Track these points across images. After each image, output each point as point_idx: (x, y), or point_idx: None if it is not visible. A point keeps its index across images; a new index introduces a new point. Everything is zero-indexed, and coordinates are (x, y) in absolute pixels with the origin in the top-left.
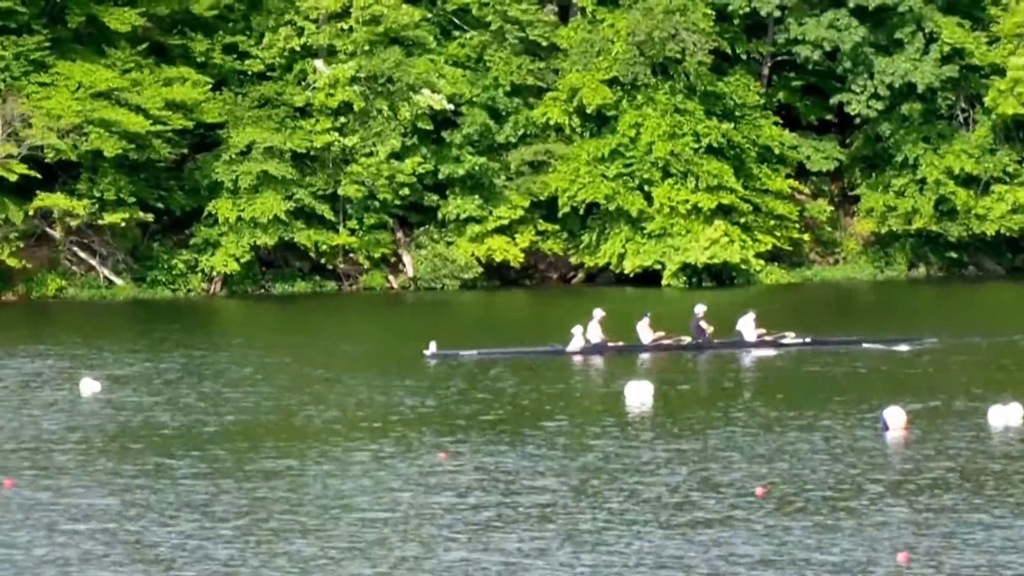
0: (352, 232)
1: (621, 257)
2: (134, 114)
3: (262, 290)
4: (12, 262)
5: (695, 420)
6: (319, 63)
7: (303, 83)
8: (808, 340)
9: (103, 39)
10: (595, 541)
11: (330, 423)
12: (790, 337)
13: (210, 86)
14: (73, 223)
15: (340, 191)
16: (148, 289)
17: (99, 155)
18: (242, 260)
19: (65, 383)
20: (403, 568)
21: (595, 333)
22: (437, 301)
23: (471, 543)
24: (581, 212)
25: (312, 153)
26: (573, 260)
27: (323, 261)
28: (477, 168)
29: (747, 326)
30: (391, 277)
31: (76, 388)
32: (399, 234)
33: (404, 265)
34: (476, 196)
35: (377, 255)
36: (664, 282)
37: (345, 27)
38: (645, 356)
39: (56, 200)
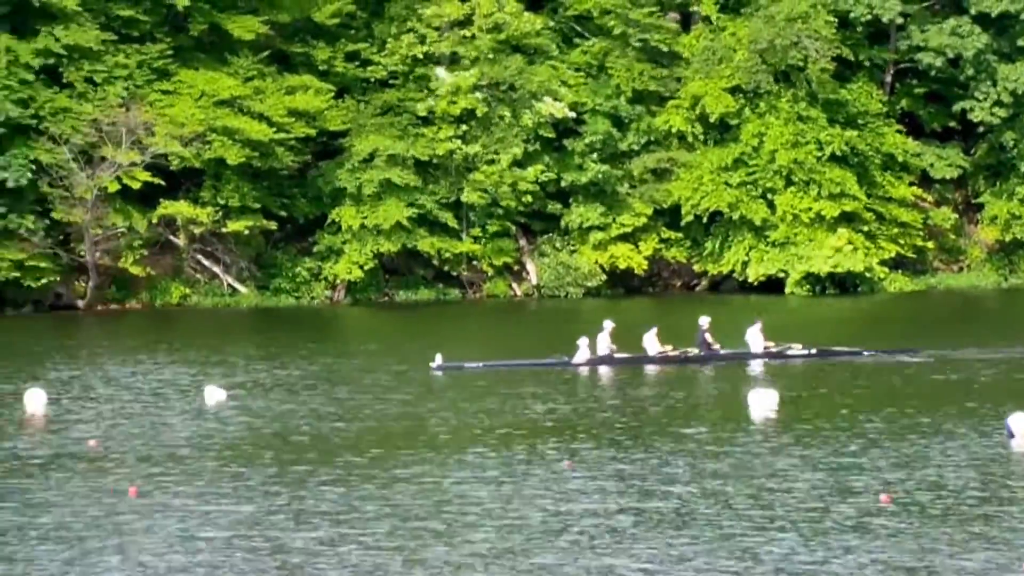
0: (475, 240)
1: (744, 265)
2: (257, 122)
3: (385, 297)
4: (136, 270)
5: (821, 428)
6: (441, 71)
7: (425, 91)
8: (813, 351)
9: (226, 47)
10: (732, 547)
11: (460, 429)
12: (796, 349)
13: (332, 94)
14: (197, 231)
15: (463, 198)
16: (272, 297)
17: (222, 163)
18: (365, 267)
19: (190, 392)
20: (543, 574)
21: (603, 344)
22: (560, 309)
23: (608, 550)
24: (704, 220)
25: (435, 160)
26: (696, 268)
27: (446, 268)
28: (600, 176)
29: (755, 337)
30: (515, 285)
31: (201, 397)
32: (522, 242)
33: (528, 273)
34: (599, 204)
35: (500, 263)
36: (788, 290)
37: (468, 35)
38: (652, 367)
39: (180, 208)
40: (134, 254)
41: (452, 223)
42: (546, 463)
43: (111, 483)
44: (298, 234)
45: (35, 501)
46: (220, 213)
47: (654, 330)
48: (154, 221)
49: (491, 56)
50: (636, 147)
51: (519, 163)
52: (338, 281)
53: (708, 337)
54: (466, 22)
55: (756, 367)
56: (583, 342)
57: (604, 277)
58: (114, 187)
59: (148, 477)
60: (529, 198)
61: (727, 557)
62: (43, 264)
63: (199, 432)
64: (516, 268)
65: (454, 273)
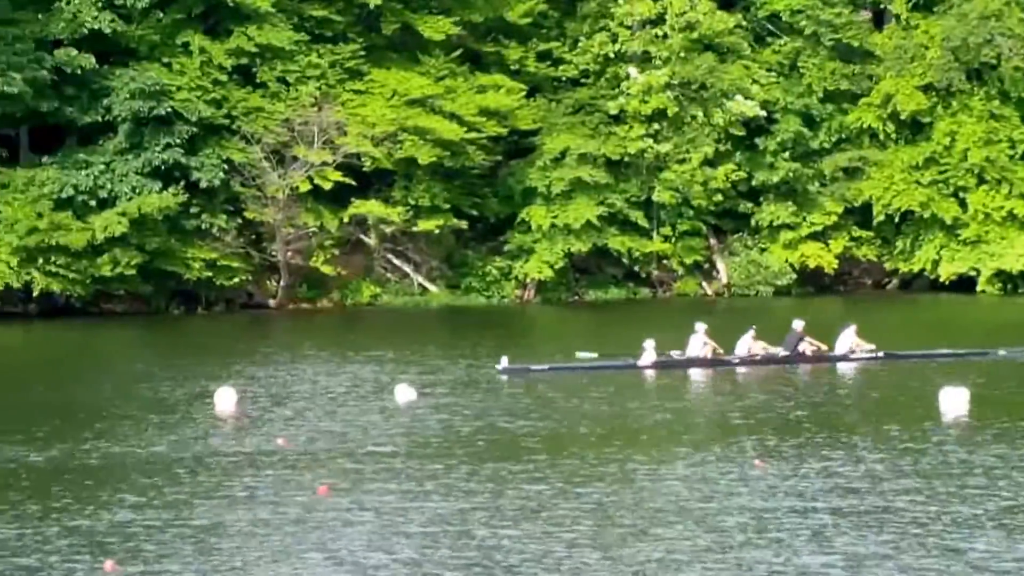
0: (666, 238)
1: (936, 263)
2: (448, 121)
3: (575, 296)
4: (327, 269)
5: (1018, 425)
6: (633, 69)
7: (616, 89)
8: (880, 354)
9: (417, 47)
10: (934, 545)
11: (658, 427)
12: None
13: (524, 93)
14: (388, 230)
15: (654, 197)
16: (462, 296)
17: (413, 162)
18: (556, 266)
19: (381, 390)
20: (748, 573)
21: (696, 346)
22: (750, 308)
23: (809, 548)
24: (896, 219)
25: (625, 159)
26: (887, 266)
27: (636, 267)
28: (791, 174)
29: (846, 340)
30: (705, 283)
31: (392, 395)
32: (713, 240)
33: (718, 271)
34: (790, 202)
35: (690, 261)
36: (979, 288)
37: (659, 33)
38: (743, 369)
39: (371, 207)
40: (325, 253)
41: (642, 222)
42: (738, 461)
43: (305, 481)
44: (489, 233)
45: (227, 499)
46: (411, 212)
47: (751, 332)
48: (345, 220)
49: (683, 55)
50: (827, 145)
51: (710, 162)
52: (528, 280)
53: (802, 340)
54: (658, 21)
55: (844, 368)
56: (648, 344)
57: (794, 276)
58: (305, 186)
59: (339, 475)
60: (720, 197)
61: (929, 555)
62: (235, 263)
63: (390, 430)
64: (706, 267)
65: (644, 272)
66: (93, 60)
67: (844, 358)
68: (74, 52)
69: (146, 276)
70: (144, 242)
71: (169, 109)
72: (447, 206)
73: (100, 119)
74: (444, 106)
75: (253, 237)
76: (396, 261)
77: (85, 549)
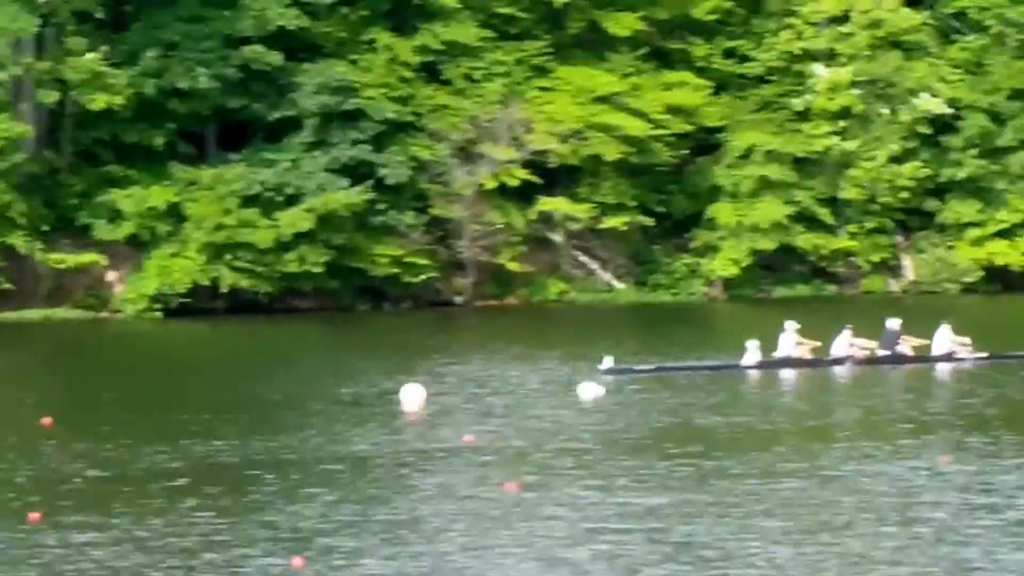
0: (852, 236)
1: None
2: (634, 118)
3: (762, 293)
4: (514, 267)
5: None
6: (819, 67)
7: (802, 86)
8: (984, 355)
9: (603, 44)
10: None
11: (848, 424)
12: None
13: (710, 90)
14: (574, 227)
15: (840, 195)
16: (649, 293)
17: (599, 159)
18: (742, 264)
19: (568, 387)
20: (948, 570)
21: (787, 345)
22: (936, 305)
23: (1011, 544)
24: None
25: (812, 157)
26: None
27: (823, 264)
28: (977, 172)
29: (942, 339)
30: (891, 280)
31: (578, 392)
32: (899, 237)
33: (904, 268)
34: (976, 200)
35: (877, 258)
36: None
37: (845, 31)
38: (839, 369)
39: (557, 204)
40: (512, 250)
41: (829, 219)
42: (924, 457)
43: (494, 478)
44: (675, 230)
45: (417, 495)
46: (597, 209)
47: (847, 331)
48: (532, 218)
49: (868, 52)
50: (1014, 143)
51: (896, 159)
52: (715, 277)
53: (899, 342)
54: (843, 18)
55: (943, 369)
56: (752, 344)
57: (981, 273)
58: (492, 184)
59: (527, 472)
60: (906, 194)
61: None
62: (422, 260)
63: (577, 426)
64: (892, 264)
65: (830, 270)
66: (280, 57)
67: (947, 358)
68: (261, 49)
69: (333, 273)
70: (331, 239)
71: (356, 105)
72: (633, 203)
73: (287, 116)
74: (630, 103)
75: (440, 234)
76: (583, 258)
77: (278, 545)
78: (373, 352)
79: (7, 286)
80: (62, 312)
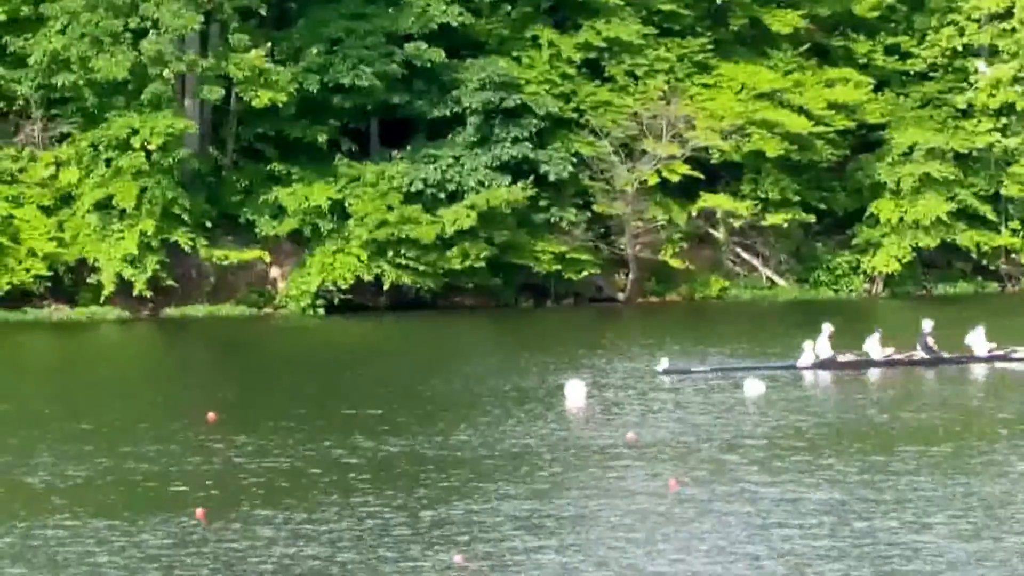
0: (1014, 232)
1: None
2: (796, 115)
3: (923, 291)
4: (675, 263)
5: None
6: (980, 63)
7: (964, 83)
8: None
9: (765, 41)
10: None
11: (1010, 421)
12: (1021, 351)
13: (872, 86)
14: (736, 224)
15: (1002, 191)
16: (810, 290)
17: (761, 156)
18: (903, 261)
19: (731, 384)
20: None
21: (824, 348)
22: None
23: None
24: None
25: (974, 154)
26: None
27: (984, 262)
28: None
29: (977, 340)
30: None
31: (741, 388)
32: None
33: None
34: None
35: None
36: None
37: (1007, 27)
38: (876, 372)
39: (719, 201)
40: (673, 247)
41: (991, 216)
42: None
43: (658, 474)
44: (836, 227)
45: (582, 491)
46: (759, 206)
47: (877, 334)
48: (693, 214)
49: None
50: None
51: None
52: (876, 274)
53: (930, 341)
54: (1006, 15)
55: (982, 371)
56: (807, 345)
57: None
58: (654, 180)
59: (693, 468)
60: None
61: None
62: (584, 256)
63: (741, 423)
64: None
65: (992, 267)
66: (443, 54)
67: (990, 359)
68: (424, 46)
69: (495, 269)
70: (493, 235)
71: (518, 101)
72: (795, 199)
73: (449, 113)
74: (792, 100)
75: (602, 231)
76: (744, 255)
77: (444, 540)
78: (535, 348)
79: (171, 283)
80: (225, 309)
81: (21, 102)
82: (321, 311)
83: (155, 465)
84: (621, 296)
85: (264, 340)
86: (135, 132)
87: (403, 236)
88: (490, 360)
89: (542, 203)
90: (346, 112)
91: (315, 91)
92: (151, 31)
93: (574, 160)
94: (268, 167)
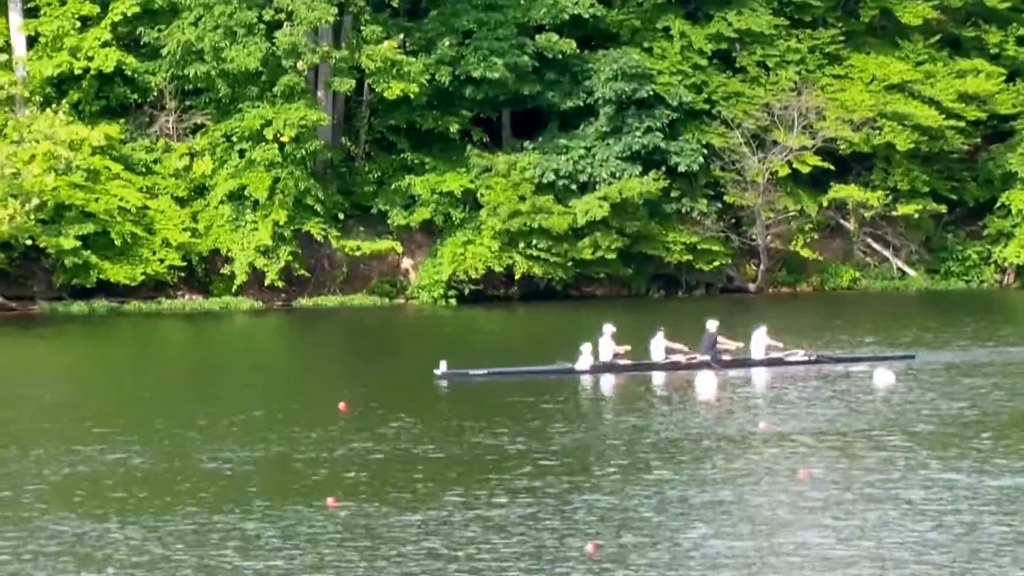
0: None
1: None
2: (927, 106)
3: None
4: (806, 253)
5: None
6: None
7: None
8: (813, 357)
9: (896, 32)
10: None
11: None
12: (798, 355)
13: (1003, 77)
14: (867, 215)
15: None
16: (941, 280)
17: (891, 146)
18: None
19: (860, 375)
20: None
21: (606, 350)
22: None
23: None
24: None
25: None
26: None
27: None
28: None
29: (758, 342)
30: None
31: (871, 379)
32: None
33: None
34: None
35: None
36: None
37: None
38: (659, 374)
39: (850, 192)
40: (804, 237)
41: None
42: None
43: (790, 463)
44: (968, 217)
45: (718, 478)
46: (890, 197)
47: (660, 333)
48: (824, 205)
49: None
50: None
51: None
52: (1008, 265)
53: (718, 341)
54: None
55: (761, 373)
56: (586, 348)
57: None
58: (784, 171)
59: (825, 458)
60: None
61: None
62: (715, 247)
63: (869, 414)
64: None
65: None
66: (574, 45)
67: (781, 361)
68: (555, 37)
69: (626, 260)
70: (624, 226)
71: (650, 92)
72: (926, 190)
73: (581, 103)
74: (923, 91)
75: (733, 221)
76: (875, 245)
77: (573, 529)
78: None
79: (303, 273)
80: (357, 299)
81: (155, 93)
82: (452, 301)
83: (292, 453)
84: (752, 286)
85: (396, 330)
86: (268, 123)
87: (535, 226)
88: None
89: (673, 194)
90: (478, 103)
91: (447, 82)
92: (285, 23)
93: (705, 151)
94: (400, 158)
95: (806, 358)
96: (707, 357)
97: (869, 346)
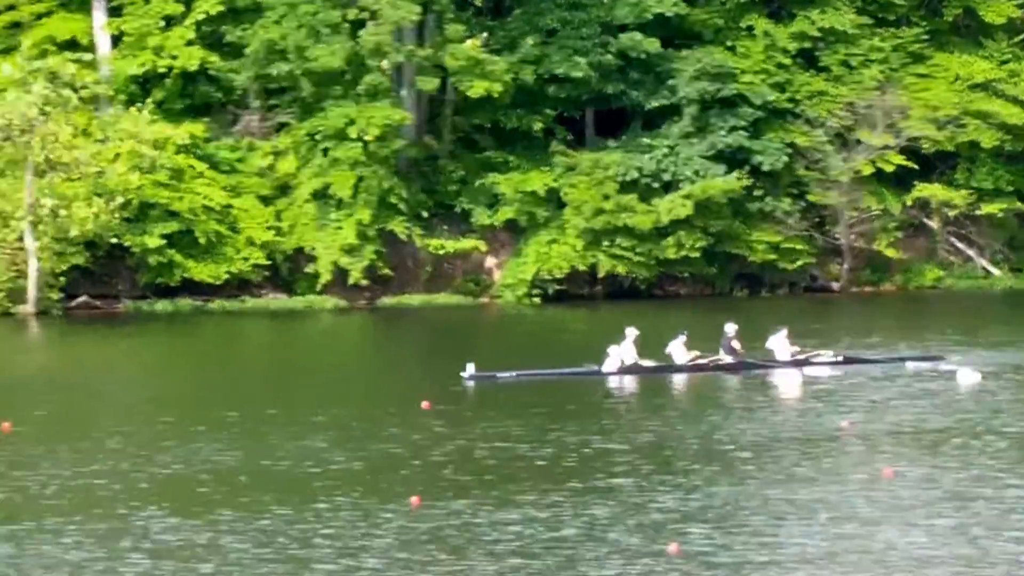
0: None
1: None
2: (1011, 105)
3: None
4: (891, 252)
5: None
6: None
7: None
8: (840, 359)
9: (979, 30)
10: None
11: None
12: (824, 356)
13: None
14: (950, 213)
15: None
16: None
17: (976, 146)
18: None
19: (944, 374)
20: None
21: (629, 353)
22: None
23: None
24: None
25: None
26: None
27: None
28: None
29: (780, 344)
30: None
31: (955, 379)
32: None
33: None
34: None
35: None
36: None
37: None
38: (681, 376)
39: (934, 190)
40: (888, 236)
41: None
42: None
43: (876, 462)
44: None
45: (801, 478)
46: (974, 196)
47: (681, 338)
48: (908, 204)
49: None
50: None
51: None
52: None
53: (735, 344)
54: None
55: (787, 375)
56: (613, 350)
57: None
58: (868, 170)
59: (909, 458)
60: None
61: None
62: (798, 246)
63: (954, 413)
64: None
65: None
66: (658, 44)
67: (803, 363)
68: (639, 36)
69: (710, 259)
70: (708, 225)
71: (734, 92)
72: (1010, 189)
73: (664, 102)
74: (1007, 90)
75: (816, 220)
76: (959, 244)
77: (657, 530)
78: (749, 337)
79: (387, 272)
80: (441, 298)
81: (239, 92)
82: (536, 300)
83: (376, 451)
84: (835, 285)
85: (479, 329)
86: (352, 122)
87: (619, 225)
88: (705, 349)
89: (757, 193)
90: (561, 102)
91: (530, 81)
92: (369, 22)
93: (789, 150)
94: (484, 156)
95: (833, 359)
96: (730, 359)
97: (957, 346)
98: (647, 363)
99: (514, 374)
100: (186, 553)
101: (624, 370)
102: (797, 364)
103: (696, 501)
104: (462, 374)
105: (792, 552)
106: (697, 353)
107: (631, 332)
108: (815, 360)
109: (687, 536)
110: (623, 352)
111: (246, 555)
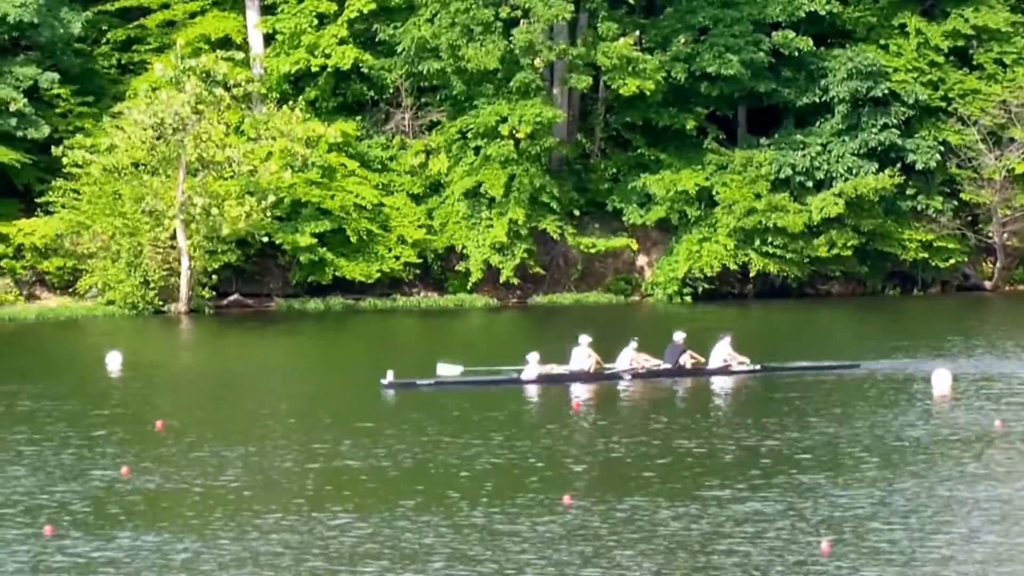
0: None
1: None
2: None
3: None
4: None
5: None
6: None
7: None
8: (757, 368)
9: None
10: None
11: None
12: (744, 366)
13: None
14: None
15: None
16: None
17: None
18: None
19: None
20: None
21: (581, 359)
22: None
23: None
24: None
25: None
26: None
27: None
28: None
29: (718, 351)
30: None
31: None
32: None
33: None
34: None
35: None
36: None
37: None
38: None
39: None
40: None
41: None
42: None
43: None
44: None
45: (955, 479)
46: None
47: (633, 344)
48: None
49: None
50: None
51: None
52: None
53: (683, 353)
54: None
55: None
56: (532, 357)
57: None
58: (1021, 168)
59: None
60: None
61: None
62: (950, 245)
63: None
64: None
65: None
66: (810, 42)
67: (722, 371)
68: (792, 34)
69: (862, 257)
70: (860, 223)
71: (886, 90)
72: None
73: (817, 100)
74: None
75: (969, 219)
76: None
77: (798, 528)
78: (901, 336)
79: (539, 270)
80: (593, 296)
81: (391, 91)
82: (687, 299)
83: (527, 449)
84: (988, 284)
85: (631, 328)
86: (504, 120)
87: (770, 224)
88: (856, 347)
89: (909, 191)
90: (713, 100)
91: (682, 79)
92: (522, 20)
93: (941, 148)
94: (636, 154)
95: (752, 368)
96: (668, 365)
97: None
98: (559, 370)
99: (431, 382)
100: (344, 547)
101: (546, 378)
102: (719, 372)
103: (857, 498)
104: (381, 381)
105: (957, 552)
106: (644, 355)
107: (584, 339)
108: (734, 369)
109: (848, 534)
110: (575, 358)
111: (411, 550)
